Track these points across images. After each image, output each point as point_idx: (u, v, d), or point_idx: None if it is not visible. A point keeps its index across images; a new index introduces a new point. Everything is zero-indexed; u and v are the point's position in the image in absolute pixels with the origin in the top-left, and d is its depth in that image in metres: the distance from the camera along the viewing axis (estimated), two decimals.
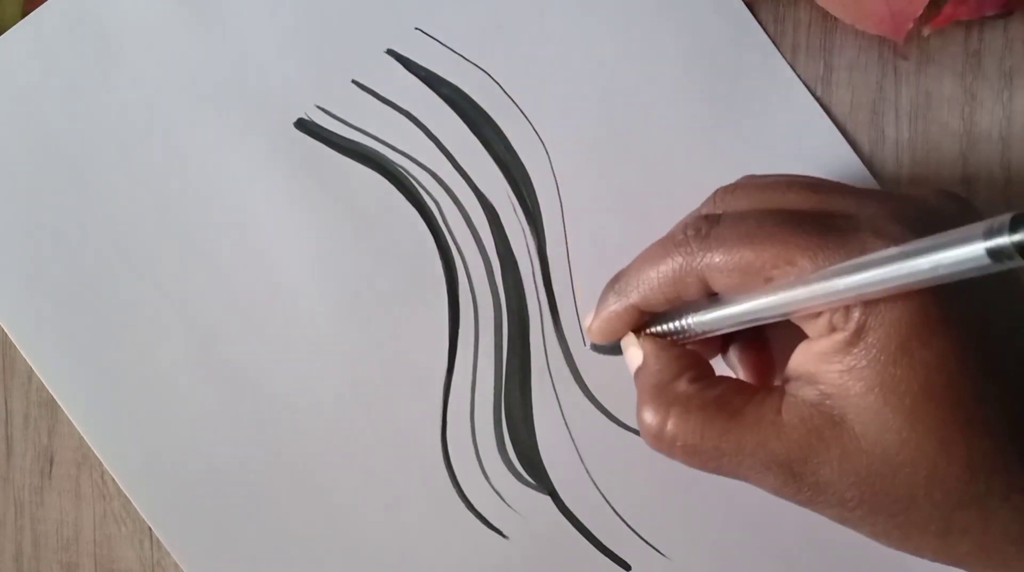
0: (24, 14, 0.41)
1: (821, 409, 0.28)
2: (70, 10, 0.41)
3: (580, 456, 0.39)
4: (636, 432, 0.39)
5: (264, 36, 0.41)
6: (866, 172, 0.38)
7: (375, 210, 0.40)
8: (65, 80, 0.41)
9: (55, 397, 0.41)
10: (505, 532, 0.40)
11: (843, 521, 0.29)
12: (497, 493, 0.40)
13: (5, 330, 0.41)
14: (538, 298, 0.40)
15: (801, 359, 0.29)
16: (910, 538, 0.28)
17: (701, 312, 0.31)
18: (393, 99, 0.40)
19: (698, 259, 0.30)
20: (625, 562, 0.39)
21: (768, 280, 0.28)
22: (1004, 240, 0.21)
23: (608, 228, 0.40)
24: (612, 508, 0.39)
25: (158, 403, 0.41)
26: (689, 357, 0.32)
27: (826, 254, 0.27)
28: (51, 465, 0.42)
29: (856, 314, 0.27)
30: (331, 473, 0.40)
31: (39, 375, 0.41)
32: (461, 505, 0.40)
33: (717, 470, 0.30)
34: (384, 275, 0.40)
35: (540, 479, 0.40)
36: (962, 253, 0.22)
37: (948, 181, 0.38)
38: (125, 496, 0.41)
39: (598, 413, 0.39)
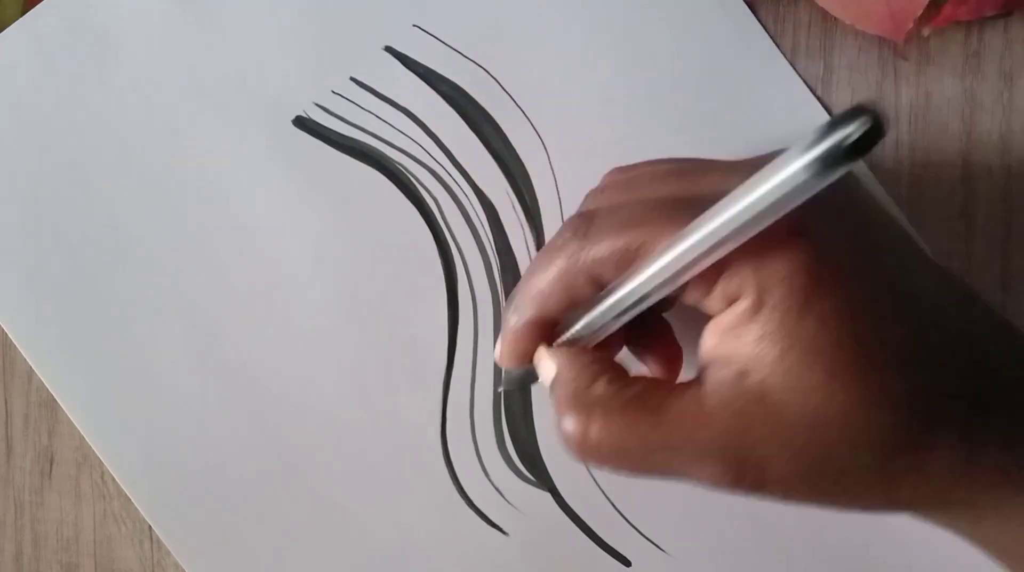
0: (24, 13, 0.41)
1: (742, 388, 0.27)
2: (69, 9, 0.41)
3: None
4: None
5: (262, 34, 0.40)
6: (867, 172, 0.38)
7: (374, 208, 0.40)
8: (64, 78, 0.41)
9: (55, 397, 0.41)
10: (505, 529, 0.40)
11: (791, 499, 0.29)
12: (497, 490, 0.40)
13: (5, 330, 0.41)
14: None
15: (712, 342, 0.28)
16: (858, 496, 0.28)
17: (595, 307, 0.31)
18: (392, 96, 0.40)
19: (581, 257, 0.30)
20: (625, 558, 0.39)
21: None
22: (830, 145, 0.22)
23: None
24: (612, 505, 0.39)
25: (158, 403, 0.41)
26: (603, 361, 0.31)
27: None
28: (51, 465, 0.42)
29: (750, 279, 0.27)
30: (331, 471, 0.40)
31: (39, 375, 0.41)
32: (461, 502, 0.40)
33: (651, 471, 0.29)
34: (383, 272, 0.40)
35: (540, 476, 0.40)
36: (795, 170, 0.23)
37: (948, 181, 0.38)
38: (125, 496, 0.41)
39: None
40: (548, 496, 0.40)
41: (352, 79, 0.40)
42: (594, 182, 0.39)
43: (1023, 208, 0.38)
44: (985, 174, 0.38)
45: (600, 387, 0.30)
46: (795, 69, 0.38)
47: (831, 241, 0.27)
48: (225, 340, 0.40)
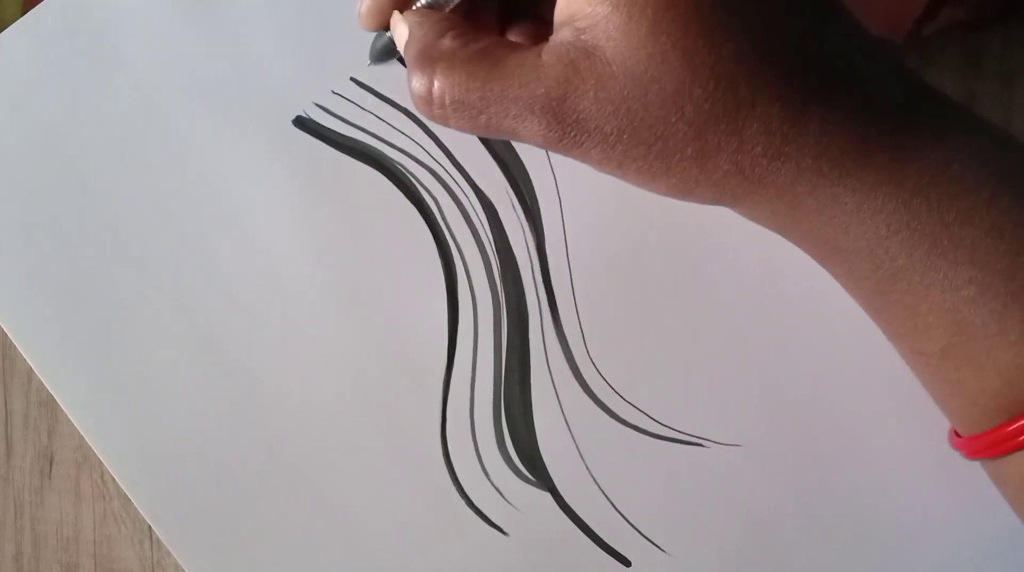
0: (24, 13, 0.41)
1: (577, 44, 0.28)
2: (69, 9, 0.41)
3: (580, 453, 0.40)
4: (636, 428, 0.39)
5: (262, 34, 0.40)
6: None
7: (374, 208, 0.40)
8: (64, 79, 0.41)
9: (55, 397, 0.40)
10: (505, 529, 0.40)
11: (611, 163, 0.29)
12: (497, 490, 0.40)
13: (5, 330, 0.41)
14: (537, 295, 0.40)
15: (562, 5, 0.29)
16: (672, 169, 0.28)
17: None
18: (392, 96, 0.40)
19: None
20: (625, 558, 0.39)
21: None
22: None
23: (607, 225, 0.40)
24: (612, 504, 0.39)
25: (158, 403, 0.40)
26: (453, 19, 0.31)
27: None
28: (51, 465, 0.42)
29: None
30: (331, 471, 0.40)
31: (39, 375, 0.40)
32: (461, 502, 0.40)
33: (488, 126, 0.30)
34: (383, 273, 0.40)
35: (540, 476, 0.40)
36: None
37: None
38: (125, 496, 0.40)
39: (598, 410, 0.39)
40: (548, 496, 0.40)
41: (352, 79, 0.40)
42: (593, 180, 0.39)
43: None
44: None
45: (447, 41, 0.30)
46: None
47: None
48: (225, 340, 0.40)
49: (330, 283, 0.40)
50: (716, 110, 0.27)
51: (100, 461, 0.41)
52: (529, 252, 0.40)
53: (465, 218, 0.40)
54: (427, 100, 0.30)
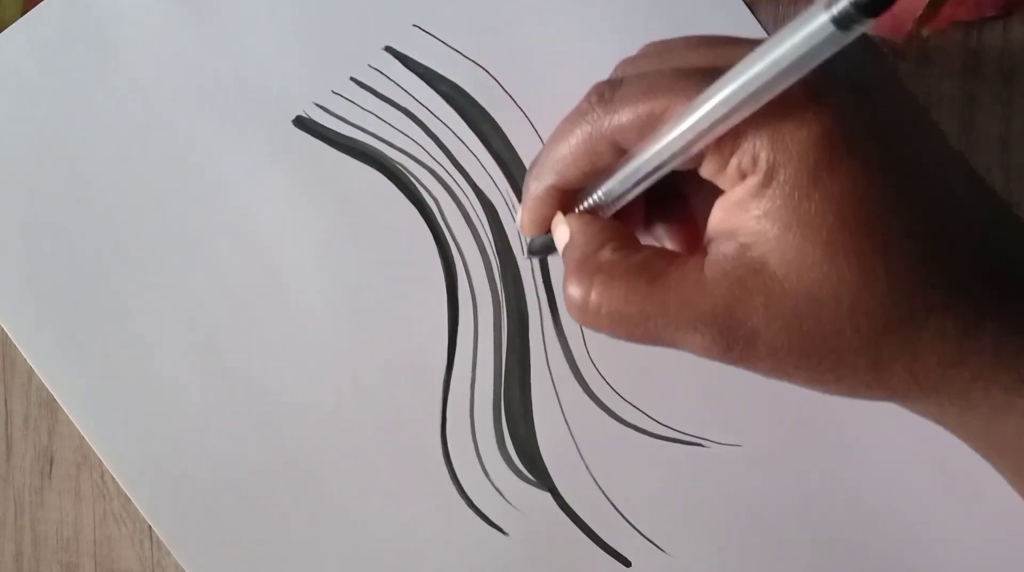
0: (24, 13, 0.41)
1: (742, 260, 0.27)
2: (69, 9, 0.41)
3: (580, 453, 0.40)
4: (636, 429, 0.39)
5: (262, 34, 0.40)
6: None
7: (374, 208, 0.40)
8: (64, 79, 0.41)
9: (55, 397, 0.41)
10: (505, 529, 0.40)
11: (778, 373, 0.29)
12: (497, 490, 0.40)
13: (5, 330, 0.41)
14: (537, 295, 0.40)
15: (720, 216, 0.29)
16: (843, 377, 0.28)
17: (614, 175, 0.31)
18: (392, 96, 0.40)
19: (605, 123, 0.29)
20: (625, 558, 0.39)
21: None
22: (843, 4, 0.22)
23: None
24: (612, 504, 0.39)
25: (158, 403, 0.40)
26: (613, 229, 0.31)
27: None
28: (51, 465, 0.42)
29: (763, 154, 0.26)
30: (331, 471, 0.40)
31: (39, 375, 0.41)
32: (461, 502, 0.40)
33: (646, 337, 0.29)
34: (383, 273, 0.40)
35: (540, 476, 0.40)
36: (811, 30, 0.23)
37: None
38: (125, 496, 0.41)
39: (598, 410, 0.39)
40: (548, 496, 0.40)
41: (352, 79, 0.40)
42: None
43: (1023, 207, 0.38)
44: (984, 174, 0.38)
45: (607, 253, 0.30)
46: None
47: (850, 117, 0.26)
48: (225, 340, 0.40)
49: (330, 283, 0.40)
50: (891, 323, 0.27)
51: (100, 461, 0.41)
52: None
53: (465, 218, 0.40)
54: (583, 309, 0.30)
